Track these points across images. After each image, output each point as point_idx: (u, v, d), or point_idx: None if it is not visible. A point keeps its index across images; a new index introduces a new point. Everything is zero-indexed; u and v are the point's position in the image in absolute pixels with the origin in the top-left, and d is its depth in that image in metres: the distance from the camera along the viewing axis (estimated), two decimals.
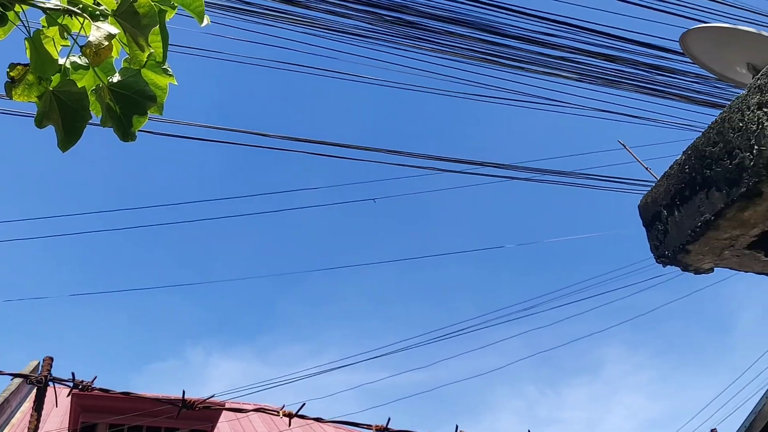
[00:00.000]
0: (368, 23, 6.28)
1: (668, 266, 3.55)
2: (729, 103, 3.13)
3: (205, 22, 1.81)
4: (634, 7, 7.26)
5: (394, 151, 7.15)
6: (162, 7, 1.66)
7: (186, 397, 3.76)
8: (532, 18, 6.79)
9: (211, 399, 4.04)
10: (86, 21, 1.51)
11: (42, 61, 1.55)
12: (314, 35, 6.44)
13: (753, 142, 2.89)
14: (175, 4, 1.81)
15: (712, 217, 3.11)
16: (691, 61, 5.43)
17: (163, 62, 1.69)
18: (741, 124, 2.97)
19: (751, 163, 2.90)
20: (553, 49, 6.96)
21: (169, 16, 1.76)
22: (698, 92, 7.28)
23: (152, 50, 1.59)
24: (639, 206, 3.72)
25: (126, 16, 1.52)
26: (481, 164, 7.38)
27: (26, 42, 1.56)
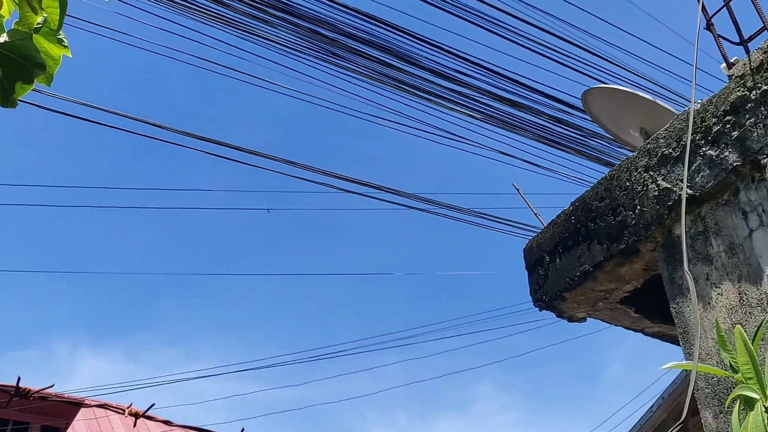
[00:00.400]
0: (289, 33, 6.22)
1: (544, 311, 3.65)
2: (619, 162, 3.27)
3: None
4: (543, 59, 7.54)
5: (297, 164, 7.08)
6: None
7: (21, 384, 3.52)
8: (446, 53, 6.92)
9: (48, 389, 3.80)
10: None
11: None
12: (233, 35, 6.32)
13: (637, 202, 3.03)
14: None
15: (591, 269, 3.24)
16: (590, 118, 5.67)
17: (58, 31, 1.59)
18: (628, 184, 3.11)
19: (633, 222, 3.04)
20: (463, 86, 7.12)
21: None
22: (593, 149, 7.62)
23: (45, 15, 1.49)
24: (524, 250, 3.82)
25: None
26: (382, 189, 7.42)
27: None
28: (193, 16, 6.18)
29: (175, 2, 5.94)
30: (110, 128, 6.06)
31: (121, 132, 6.13)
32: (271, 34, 6.40)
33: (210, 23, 6.24)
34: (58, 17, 1.58)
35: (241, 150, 6.64)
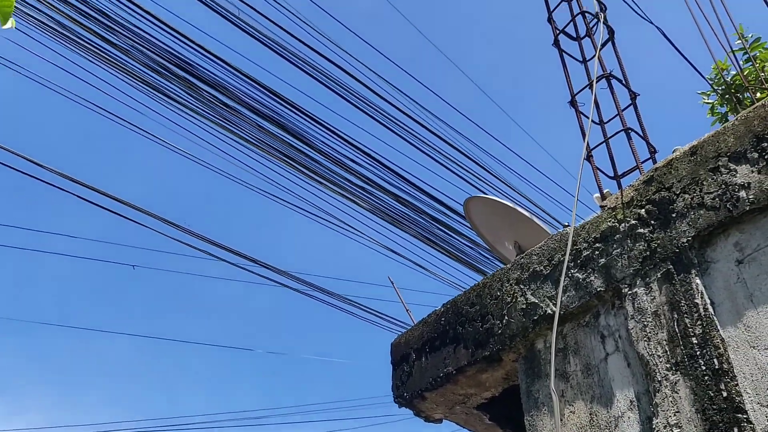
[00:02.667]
0: (187, 93, 6.14)
1: (403, 408, 3.64)
2: (493, 272, 3.38)
3: (9, 24, 1.65)
4: (432, 162, 7.80)
5: (170, 222, 6.86)
6: None
7: None
8: (340, 139, 7.04)
9: None
10: None
11: None
12: (129, 84, 6.16)
13: (505, 312, 3.12)
14: None
15: (454, 372, 3.27)
16: (469, 225, 5.87)
17: None
18: (499, 294, 3.20)
19: (499, 331, 3.12)
20: (352, 174, 7.23)
21: None
22: (468, 255, 7.86)
23: None
24: (392, 344, 3.82)
25: None
26: (256, 262, 7.29)
27: None
28: (90, 58, 6.00)
29: (73, 39, 5.77)
30: None
31: None
32: (168, 89, 6.30)
33: (108, 69, 6.08)
34: None
35: (113, 198, 6.38)
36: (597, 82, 3.51)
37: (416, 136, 7.50)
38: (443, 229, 7.69)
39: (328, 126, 6.87)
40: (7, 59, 6.30)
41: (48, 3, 5.55)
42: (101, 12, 5.42)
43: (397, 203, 7.46)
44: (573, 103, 3.71)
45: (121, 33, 5.61)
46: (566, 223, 5.14)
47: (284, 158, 6.84)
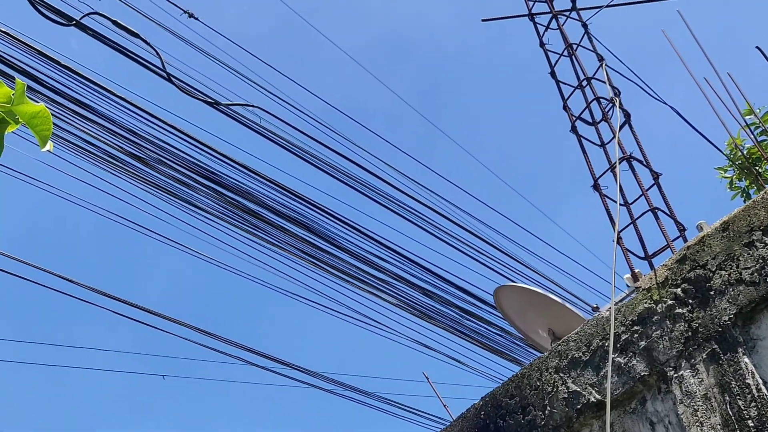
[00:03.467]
0: (212, 200, 6.26)
1: None
2: (530, 361, 3.31)
3: (48, 147, 1.70)
4: (458, 253, 7.80)
5: (199, 329, 6.85)
6: (6, 118, 1.54)
7: None
8: (366, 237, 7.08)
9: None
10: None
11: None
12: (154, 195, 6.30)
13: (546, 402, 3.04)
14: (20, 120, 1.69)
15: None
16: (500, 314, 5.80)
17: None
18: (538, 384, 3.13)
19: (542, 422, 3.02)
20: (379, 271, 7.23)
21: (9, 129, 1.64)
22: (502, 345, 7.72)
23: None
24: None
25: None
26: (287, 365, 7.22)
27: None
28: (116, 173, 6.17)
29: (97, 155, 5.94)
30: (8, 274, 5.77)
31: (9, 277, 5.83)
32: (193, 198, 6.43)
33: (132, 182, 6.24)
34: None
35: (140, 308, 6.41)
36: (619, 164, 3.54)
37: (440, 228, 7.53)
38: (474, 320, 7.60)
39: (353, 224, 6.93)
40: (34, 178, 6.49)
41: (75, 123, 5.76)
42: (128, 129, 5.61)
43: (425, 297, 7.41)
44: (596, 187, 3.73)
45: (146, 148, 5.78)
46: (595, 305, 5.06)
47: (310, 259, 6.88)
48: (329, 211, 6.74)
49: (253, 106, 6.13)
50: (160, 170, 6.02)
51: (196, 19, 6.57)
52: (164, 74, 5.38)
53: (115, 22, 5.31)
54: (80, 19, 5.14)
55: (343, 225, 6.88)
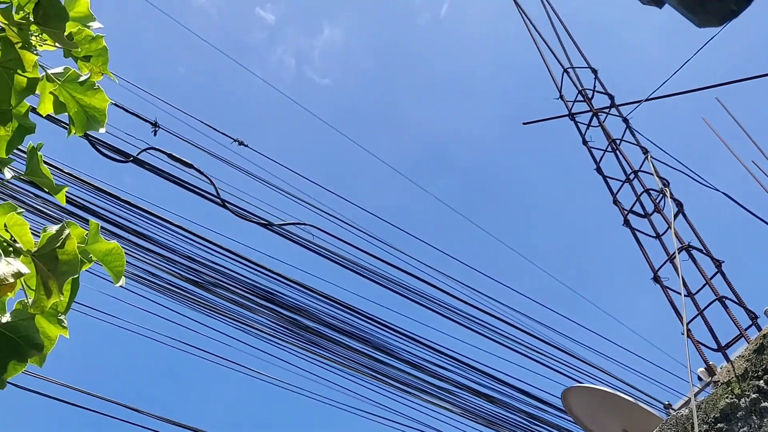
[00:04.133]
0: (270, 320, 6.31)
1: None
2: None
3: (121, 282, 1.76)
4: (520, 357, 7.63)
5: None
6: (82, 258, 1.61)
7: None
8: (424, 347, 7.00)
9: None
10: None
11: None
12: (211, 318, 6.39)
13: None
14: (93, 258, 1.77)
15: None
16: (569, 417, 5.59)
17: (65, 313, 1.60)
18: None
19: None
20: (440, 380, 7.09)
21: (84, 268, 1.71)
22: None
23: (61, 298, 1.50)
24: None
25: (45, 258, 1.45)
26: None
27: None
28: (171, 298, 6.29)
29: (157, 284, 6.08)
30: (74, 406, 5.83)
31: (78, 409, 5.88)
32: (251, 320, 6.49)
33: (193, 307, 6.34)
34: (68, 300, 1.60)
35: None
36: (678, 254, 3.48)
37: (500, 333, 7.41)
38: (542, 425, 7.33)
39: (411, 335, 6.87)
40: (100, 310, 6.64)
41: (135, 254, 5.95)
42: (186, 256, 5.77)
43: (490, 404, 7.21)
44: (657, 279, 3.66)
45: (204, 273, 5.91)
46: (667, 402, 4.85)
47: (370, 372, 6.80)
48: (387, 323, 6.71)
49: (304, 224, 6.27)
50: (218, 293, 6.13)
51: (246, 146, 6.84)
52: (218, 201, 5.57)
53: (170, 155, 5.57)
54: (137, 155, 5.40)
55: (402, 336, 6.83)
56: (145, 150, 5.51)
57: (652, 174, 4.23)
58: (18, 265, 1.47)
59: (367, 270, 6.70)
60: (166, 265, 6.01)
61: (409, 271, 6.92)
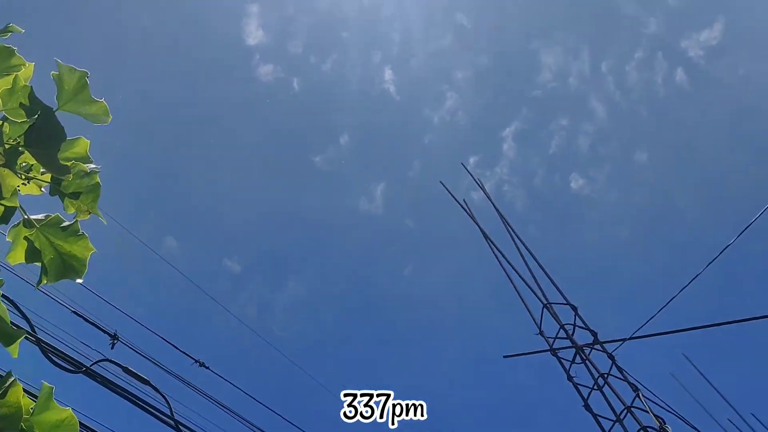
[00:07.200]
0: None
1: None
2: None
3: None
4: None
5: None
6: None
7: None
8: None
9: None
10: None
11: None
12: None
13: None
14: None
15: None
16: None
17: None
18: None
19: None
20: None
21: None
22: None
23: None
24: None
25: None
26: None
27: None
28: None
29: None
30: None
31: None
32: None
33: None
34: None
35: None
36: None
37: None
38: None
39: None
40: None
41: None
42: None
43: None
44: None
45: None
46: None
47: None
48: None
49: None
50: None
51: (207, 368, 6.46)
52: (172, 422, 5.08)
53: (125, 369, 5.17)
54: (90, 365, 5.00)
55: None
56: (99, 361, 5.12)
57: (645, 411, 3.96)
58: None
59: None
60: None
61: None
